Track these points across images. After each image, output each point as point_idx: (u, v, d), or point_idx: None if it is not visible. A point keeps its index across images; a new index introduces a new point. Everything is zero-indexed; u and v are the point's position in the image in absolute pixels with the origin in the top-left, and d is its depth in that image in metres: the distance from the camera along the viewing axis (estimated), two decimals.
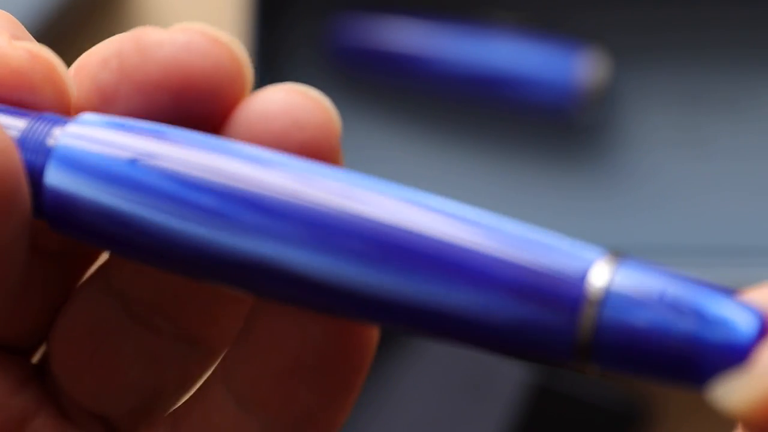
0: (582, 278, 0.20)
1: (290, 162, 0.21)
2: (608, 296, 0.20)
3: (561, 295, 0.20)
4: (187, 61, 0.22)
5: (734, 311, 0.20)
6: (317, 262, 0.21)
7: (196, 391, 0.23)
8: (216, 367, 0.23)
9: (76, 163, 0.21)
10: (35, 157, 0.22)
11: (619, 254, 0.20)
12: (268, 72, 0.67)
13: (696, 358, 0.20)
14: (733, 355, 0.20)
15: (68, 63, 0.66)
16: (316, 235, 0.21)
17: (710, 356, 0.20)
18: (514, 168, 0.67)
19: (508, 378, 0.57)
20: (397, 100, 0.68)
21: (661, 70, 0.67)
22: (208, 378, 0.23)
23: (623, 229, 0.67)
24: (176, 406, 0.23)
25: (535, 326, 0.20)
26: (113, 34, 0.68)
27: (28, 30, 0.59)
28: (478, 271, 0.20)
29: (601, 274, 0.20)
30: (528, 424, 0.57)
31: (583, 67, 0.65)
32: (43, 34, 0.60)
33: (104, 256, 0.43)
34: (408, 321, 0.21)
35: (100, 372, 0.23)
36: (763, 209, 0.66)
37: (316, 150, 0.22)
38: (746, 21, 0.67)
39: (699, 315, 0.20)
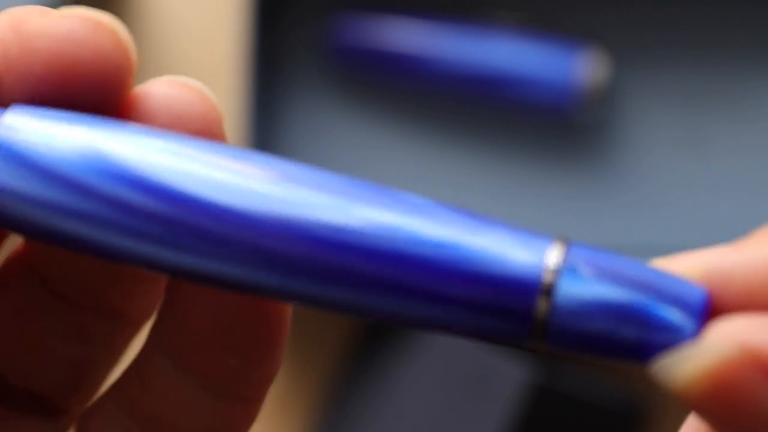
0: (532, 290, 0.21)
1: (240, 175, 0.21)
2: (555, 307, 0.21)
3: (514, 305, 0.21)
4: (69, 52, 0.21)
5: (679, 311, 0.21)
6: (265, 279, 0.21)
7: (134, 363, 0.23)
8: (150, 337, 0.23)
9: (10, 158, 0.21)
10: None
11: (566, 244, 0.21)
12: (268, 73, 0.67)
13: (642, 352, 0.21)
14: (679, 344, 0.21)
15: None
16: (264, 259, 0.21)
17: (656, 348, 0.21)
18: (515, 168, 0.67)
19: (508, 377, 0.57)
20: (397, 100, 0.68)
21: (661, 70, 0.67)
22: (144, 348, 0.23)
23: (623, 229, 0.67)
24: (118, 380, 0.24)
25: (491, 329, 0.21)
26: None
27: None
28: (430, 293, 0.21)
29: (550, 275, 0.21)
30: (528, 424, 0.57)
31: (583, 67, 0.65)
32: None
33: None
34: (363, 317, 0.22)
35: (28, 351, 0.23)
36: (763, 209, 0.66)
37: None
38: (746, 21, 0.67)
39: (643, 322, 0.21)
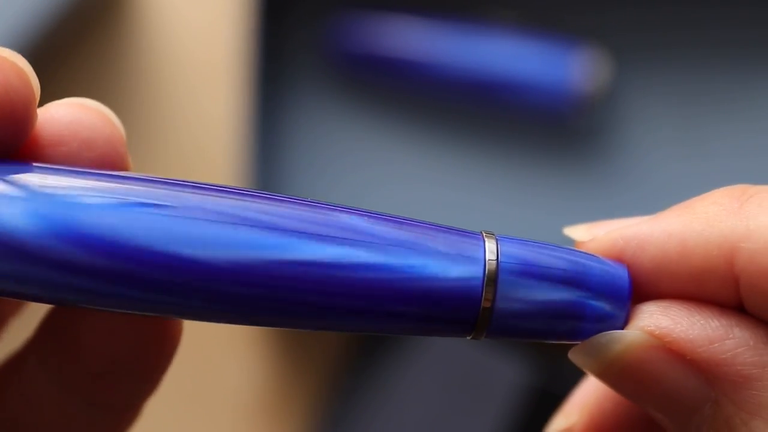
0: (475, 283, 0.22)
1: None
2: (497, 298, 0.23)
3: (459, 300, 0.23)
4: None
5: (607, 302, 0.23)
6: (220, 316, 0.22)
7: (6, 373, 0.24)
8: (29, 353, 0.23)
9: None
10: None
11: (495, 238, 0.22)
12: (269, 74, 0.67)
13: (576, 337, 0.23)
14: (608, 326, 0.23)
15: (71, 67, 0.66)
16: (223, 301, 0.22)
17: (589, 332, 0.23)
18: (515, 167, 0.67)
19: (505, 379, 0.57)
20: (397, 101, 0.68)
21: (661, 69, 0.67)
22: (19, 361, 0.24)
23: None
24: None
25: (438, 323, 0.23)
26: (116, 37, 0.68)
27: (31, 32, 0.60)
28: (383, 318, 0.22)
29: (490, 267, 0.23)
30: (525, 426, 0.57)
31: (583, 67, 0.65)
32: (43, 42, 0.61)
33: None
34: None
35: None
36: None
37: (109, 164, 0.22)
38: (746, 21, 0.67)
39: (575, 315, 0.23)
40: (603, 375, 0.23)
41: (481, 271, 0.22)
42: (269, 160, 0.67)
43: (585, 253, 0.23)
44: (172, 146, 0.66)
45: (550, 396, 0.58)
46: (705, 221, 0.23)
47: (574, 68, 0.65)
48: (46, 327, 0.23)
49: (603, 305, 0.23)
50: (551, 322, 0.23)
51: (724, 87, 0.67)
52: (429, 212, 0.67)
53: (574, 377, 0.62)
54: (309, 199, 0.22)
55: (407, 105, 0.68)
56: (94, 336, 0.23)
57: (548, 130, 0.68)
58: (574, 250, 0.23)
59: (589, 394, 0.27)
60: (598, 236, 0.24)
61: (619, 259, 0.24)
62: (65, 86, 0.64)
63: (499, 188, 0.67)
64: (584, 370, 0.23)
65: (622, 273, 0.23)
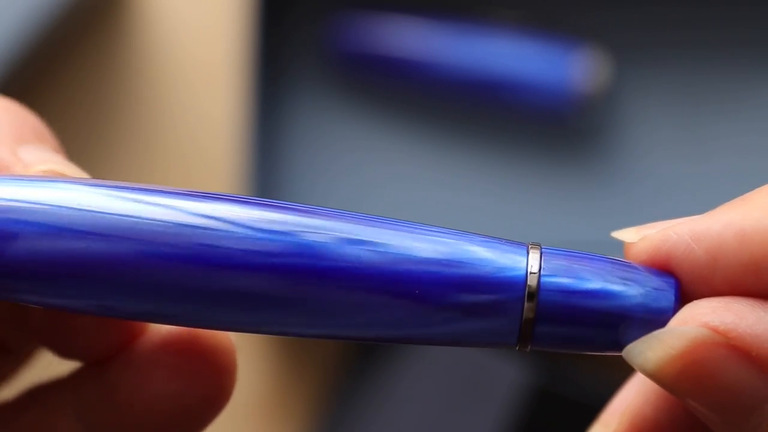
0: (518, 296, 0.22)
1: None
2: (539, 309, 0.22)
3: (503, 311, 0.23)
4: None
5: (652, 313, 0.23)
6: (272, 318, 0.22)
7: (36, 412, 0.24)
8: (63, 397, 0.23)
9: None
10: None
11: (539, 250, 0.22)
12: (269, 74, 0.67)
13: (619, 348, 0.23)
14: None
15: (71, 67, 0.66)
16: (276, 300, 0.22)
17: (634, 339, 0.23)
18: (515, 168, 0.67)
19: (506, 379, 0.57)
20: (397, 101, 0.68)
21: (661, 69, 0.67)
22: (51, 401, 0.24)
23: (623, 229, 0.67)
24: (16, 424, 0.24)
25: (483, 335, 0.23)
26: (116, 37, 0.68)
27: (31, 32, 0.60)
28: (422, 308, 0.22)
29: (532, 280, 0.22)
30: (526, 426, 0.57)
31: (584, 67, 0.65)
32: (43, 42, 0.61)
33: None
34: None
35: None
36: None
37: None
38: (746, 21, 0.67)
39: (621, 331, 0.23)
40: (659, 373, 0.22)
41: (523, 282, 0.22)
42: (269, 159, 0.67)
43: (630, 264, 0.23)
44: (172, 146, 0.66)
45: (551, 396, 0.58)
46: (764, 209, 0.23)
47: (574, 68, 0.65)
48: (85, 378, 0.23)
49: (649, 318, 0.23)
50: (595, 334, 0.22)
51: (724, 87, 0.67)
52: (429, 212, 0.67)
53: (575, 377, 0.62)
54: (337, 210, 0.22)
55: (407, 105, 0.68)
56: (140, 386, 0.23)
57: (548, 130, 0.68)
58: (618, 260, 0.23)
59: (627, 401, 0.27)
60: (648, 235, 0.24)
61: (670, 256, 0.23)
62: (65, 86, 0.64)
63: (499, 188, 0.67)
64: (637, 368, 0.23)
65: (670, 283, 0.23)
